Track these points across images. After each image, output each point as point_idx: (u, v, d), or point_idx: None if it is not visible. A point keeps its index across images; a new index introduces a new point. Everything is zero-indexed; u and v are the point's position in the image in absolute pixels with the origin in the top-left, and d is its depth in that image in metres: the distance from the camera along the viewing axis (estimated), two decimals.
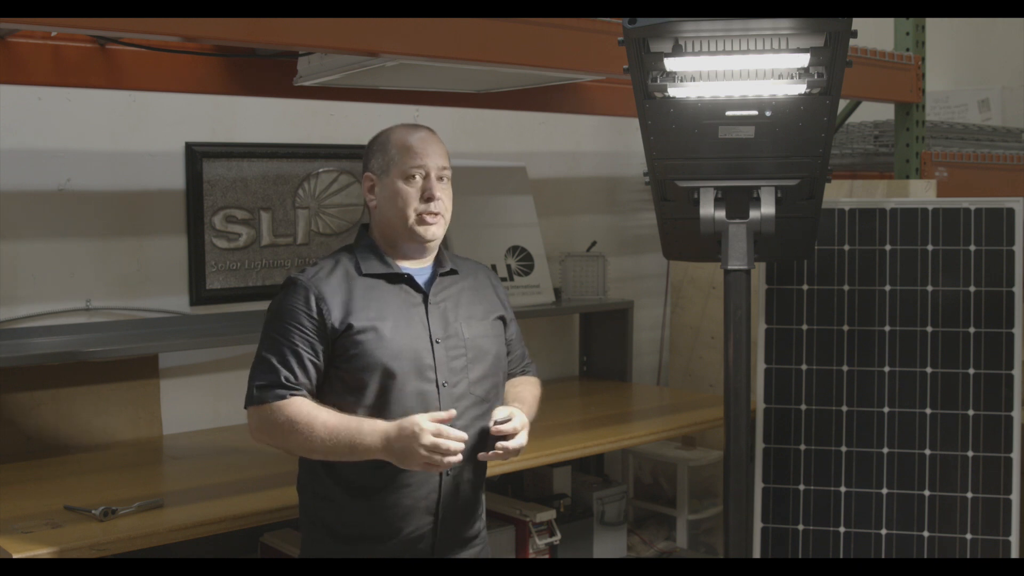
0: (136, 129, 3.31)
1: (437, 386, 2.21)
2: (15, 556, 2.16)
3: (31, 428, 3.10)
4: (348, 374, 2.17)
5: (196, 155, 3.40)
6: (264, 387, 2.15)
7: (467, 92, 3.24)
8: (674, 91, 2.05)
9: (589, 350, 4.39)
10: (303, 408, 2.12)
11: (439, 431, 2.05)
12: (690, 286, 4.43)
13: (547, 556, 3.35)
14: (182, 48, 2.72)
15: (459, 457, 2.08)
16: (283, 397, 2.13)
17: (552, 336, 4.37)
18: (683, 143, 2.12)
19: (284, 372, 2.14)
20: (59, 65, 2.57)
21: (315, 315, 2.17)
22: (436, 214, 2.24)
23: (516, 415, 2.21)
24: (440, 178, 2.26)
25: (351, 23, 2.21)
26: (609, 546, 3.66)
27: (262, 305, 3.50)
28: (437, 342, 2.23)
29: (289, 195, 3.61)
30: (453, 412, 2.12)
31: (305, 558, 2.31)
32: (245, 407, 2.19)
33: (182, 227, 3.41)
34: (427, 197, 2.23)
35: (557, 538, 3.36)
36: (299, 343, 2.16)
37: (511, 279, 3.95)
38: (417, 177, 2.23)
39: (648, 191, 2.98)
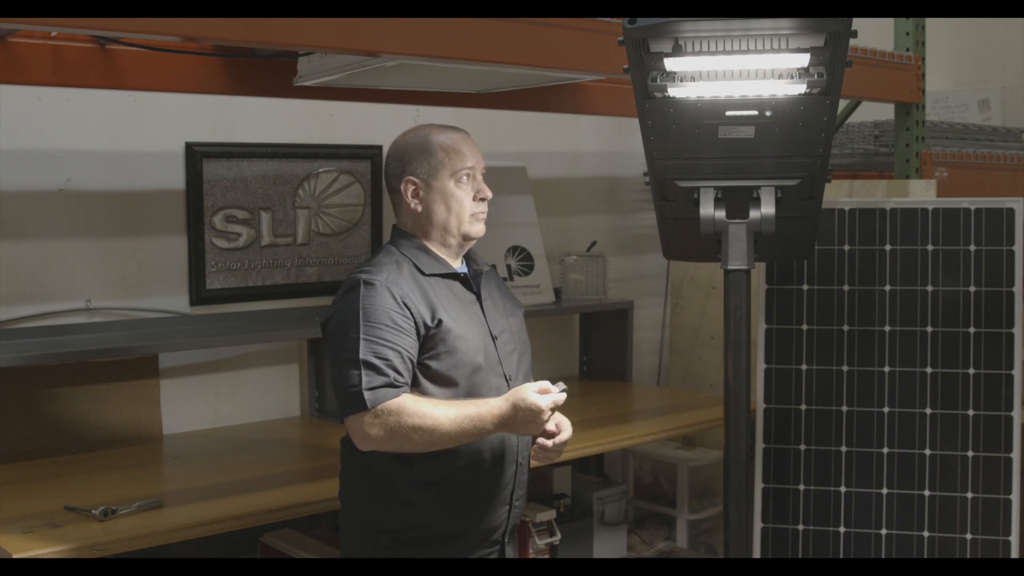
0: (136, 129, 3.31)
1: (506, 379, 2.26)
2: (15, 556, 2.16)
3: (31, 428, 3.09)
4: (436, 372, 2.18)
5: (196, 155, 3.40)
6: (377, 389, 2.08)
7: (467, 92, 3.24)
8: (674, 91, 2.05)
9: (589, 350, 4.39)
10: (419, 404, 2.09)
11: (545, 391, 2.10)
12: (690, 286, 4.43)
13: (547, 556, 3.35)
14: (182, 48, 2.71)
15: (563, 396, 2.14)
16: (398, 396, 2.09)
17: (552, 336, 4.37)
18: (683, 143, 2.12)
19: (392, 373, 2.10)
20: (59, 65, 2.56)
21: (406, 313, 2.16)
22: (486, 212, 2.33)
23: (564, 425, 2.28)
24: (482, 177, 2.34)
25: (351, 23, 2.21)
26: (609, 546, 3.66)
27: (262, 305, 3.53)
28: (496, 338, 2.29)
29: (289, 195, 3.61)
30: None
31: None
32: (348, 415, 2.10)
33: (182, 227, 3.40)
34: (481, 197, 2.32)
35: (557, 538, 3.35)
36: (397, 341, 2.13)
37: (511, 279, 3.94)
38: (466, 179, 2.29)
39: (648, 191, 2.98)
